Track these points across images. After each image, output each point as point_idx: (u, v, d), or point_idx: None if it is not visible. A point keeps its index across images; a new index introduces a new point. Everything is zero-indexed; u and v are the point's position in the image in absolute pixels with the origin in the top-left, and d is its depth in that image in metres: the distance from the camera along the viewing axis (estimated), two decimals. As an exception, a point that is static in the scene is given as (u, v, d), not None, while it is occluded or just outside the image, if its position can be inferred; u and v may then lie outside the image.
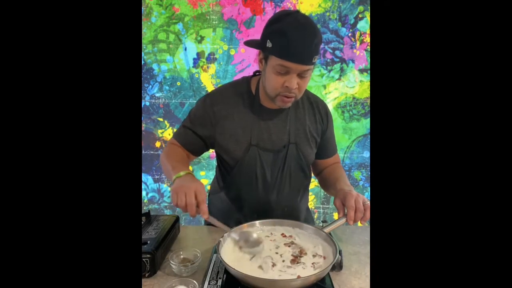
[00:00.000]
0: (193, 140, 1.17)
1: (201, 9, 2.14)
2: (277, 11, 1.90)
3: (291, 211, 1.23)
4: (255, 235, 0.99)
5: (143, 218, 1.12)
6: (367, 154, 2.38)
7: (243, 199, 1.19)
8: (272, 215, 1.15)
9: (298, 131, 1.17)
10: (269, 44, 0.99)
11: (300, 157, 1.17)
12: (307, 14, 2.12)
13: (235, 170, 1.15)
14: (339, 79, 2.26)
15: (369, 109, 2.31)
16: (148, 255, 0.91)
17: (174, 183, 0.99)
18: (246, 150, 1.12)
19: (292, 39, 0.94)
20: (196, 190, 0.92)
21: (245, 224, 1.04)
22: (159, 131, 2.33)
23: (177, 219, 1.16)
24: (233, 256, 0.93)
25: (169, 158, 1.13)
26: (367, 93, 2.28)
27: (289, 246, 0.97)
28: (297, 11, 1.02)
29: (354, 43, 2.20)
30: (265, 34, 1.01)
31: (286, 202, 1.21)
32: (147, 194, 2.42)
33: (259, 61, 1.07)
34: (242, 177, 1.16)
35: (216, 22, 2.16)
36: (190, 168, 1.10)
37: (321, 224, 1.10)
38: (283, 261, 0.90)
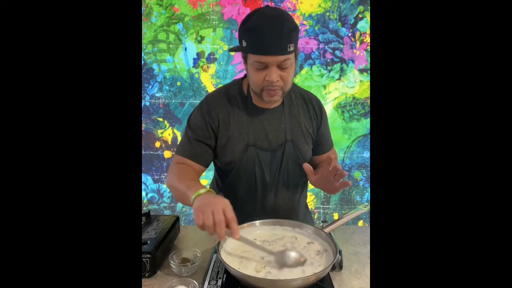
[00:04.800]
0: (202, 150, 1.14)
1: (201, 9, 2.14)
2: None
3: (290, 209, 1.23)
4: (294, 254, 0.90)
5: (143, 218, 1.12)
6: (367, 154, 2.37)
7: (242, 199, 1.19)
8: (271, 214, 1.15)
9: (294, 128, 1.17)
10: (244, 44, 1.01)
11: (298, 155, 1.17)
12: (307, 14, 2.10)
13: (234, 171, 1.15)
14: (339, 79, 2.26)
15: (369, 109, 2.30)
16: (148, 255, 0.91)
17: (195, 203, 0.91)
18: (243, 151, 1.12)
19: (261, 33, 0.96)
20: (224, 207, 0.85)
21: (245, 224, 1.04)
22: (159, 131, 2.33)
23: (177, 219, 1.16)
24: (233, 256, 0.93)
25: (180, 179, 1.06)
26: (367, 93, 2.28)
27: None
28: (266, 6, 1.04)
29: (354, 43, 2.20)
30: (240, 35, 1.03)
31: (285, 200, 1.21)
32: (146, 194, 2.42)
33: (243, 62, 1.09)
34: (241, 177, 1.16)
35: (216, 22, 2.16)
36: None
37: (321, 224, 1.10)
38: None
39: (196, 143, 1.13)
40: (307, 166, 1.07)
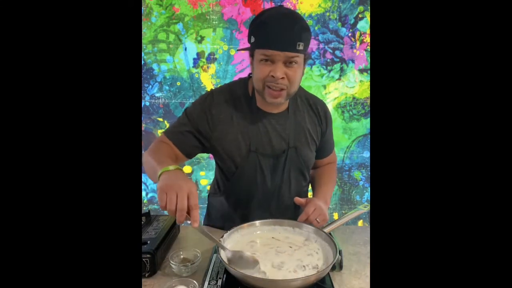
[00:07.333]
0: (189, 141, 1.10)
1: (201, 9, 2.14)
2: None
3: (292, 215, 1.21)
4: (248, 254, 0.89)
5: (143, 218, 1.12)
6: (367, 154, 2.38)
7: (243, 204, 1.17)
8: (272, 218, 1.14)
9: (298, 135, 1.15)
10: (252, 40, 1.00)
11: (300, 161, 1.16)
12: (307, 14, 2.10)
13: (235, 176, 1.13)
14: (339, 79, 2.26)
15: (369, 109, 2.30)
16: (148, 255, 0.91)
17: (160, 180, 0.85)
18: (246, 156, 1.10)
19: (271, 27, 0.95)
20: (189, 191, 0.79)
21: (245, 224, 1.04)
22: (159, 131, 2.33)
23: (177, 219, 1.16)
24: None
25: (155, 154, 1.02)
26: (367, 93, 2.28)
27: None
28: (280, 6, 1.04)
29: (354, 43, 2.20)
30: (250, 32, 1.02)
31: (287, 207, 1.19)
32: (146, 194, 2.42)
33: (250, 63, 1.07)
34: (242, 183, 1.14)
35: (216, 22, 2.16)
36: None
37: (321, 224, 1.10)
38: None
39: (186, 132, 1.10)
40: (297, 200, 1.11)
